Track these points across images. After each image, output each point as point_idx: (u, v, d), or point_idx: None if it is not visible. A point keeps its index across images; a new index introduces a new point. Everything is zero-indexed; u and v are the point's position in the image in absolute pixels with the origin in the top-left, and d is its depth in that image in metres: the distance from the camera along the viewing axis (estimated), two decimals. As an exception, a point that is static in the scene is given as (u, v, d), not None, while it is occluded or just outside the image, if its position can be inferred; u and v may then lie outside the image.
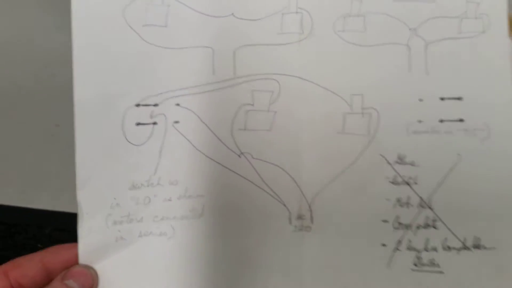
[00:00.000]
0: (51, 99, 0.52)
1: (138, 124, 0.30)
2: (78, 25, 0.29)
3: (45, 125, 0.49)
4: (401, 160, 0.31)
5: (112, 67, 0.29)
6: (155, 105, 0.30)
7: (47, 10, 0.61)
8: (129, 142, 0.30)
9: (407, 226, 0.31)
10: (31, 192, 0.45)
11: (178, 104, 0.30)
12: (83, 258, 0.29)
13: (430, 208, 0.31)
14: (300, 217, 0.31)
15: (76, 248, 0.29)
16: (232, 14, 0.31)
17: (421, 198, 0.31)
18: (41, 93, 0.53)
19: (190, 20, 0.31)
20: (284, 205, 0.31)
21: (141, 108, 0.30)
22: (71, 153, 0.50)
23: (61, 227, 0.43)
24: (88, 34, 0.29)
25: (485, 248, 0.31)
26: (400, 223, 0.31)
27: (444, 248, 0.31)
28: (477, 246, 0.31)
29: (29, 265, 0.29)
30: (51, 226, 0.43)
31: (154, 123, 0.30)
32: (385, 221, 0.31)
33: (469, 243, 0.31)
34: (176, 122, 0.30)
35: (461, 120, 0.32)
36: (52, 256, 0.30)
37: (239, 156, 0.31)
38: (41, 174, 0.46)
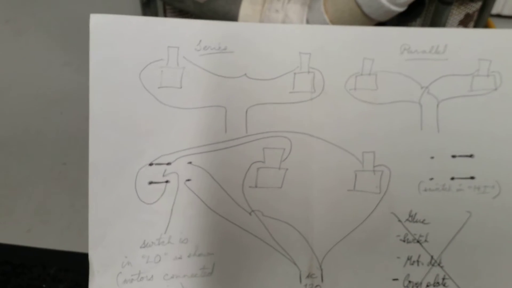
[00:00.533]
0: (58, 137, 0.53)
1: (150, 183, 0.30)
2: (96, 86, 0.30)
3: (52, 163, 0.50)
4: (412, 218, 0.32)
5: (128, 128, 0.30)
6: (168, 163, 0.31)
7: (55, 48, 0.62)
8: (142, 201, 0.30)
9: (418, 285, 0.31)
10: (36, 231, 0.46)
11: (190, 162, 0.31)
12: None
13: (440, 265, 0.31)
14: (310, 275, 0.31)
15: None
16: (245, 74, 0.31)
17: (431, 256, 0.31)
18: (48, 131, 0.54)
19: (204, 81, 0.31)
20: (294, 263, 0.31)
21: (154, 167, 0.30)
22: (77, 191, 0.50)
23: (65, 267, 0.43)
24: (105, 96, 0.30)
25: (494, 307, 0.31)
26: (410, 282, 0.31)
27: (454, 308, 0.31)
28: (487, 306, 0.31)
29: None
30: (56, 266, 0.43)
31: (167, 182, 0.31)
32: (395, 279, 0.31)
33: (479, 303, 0.31)
34: (188, 180, 0.31)
35: (472, 178, 0.32)
36: None
37: (249, 214, 0.31)
38: (46, 213, 0.47)
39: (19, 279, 0.43)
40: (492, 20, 0.52)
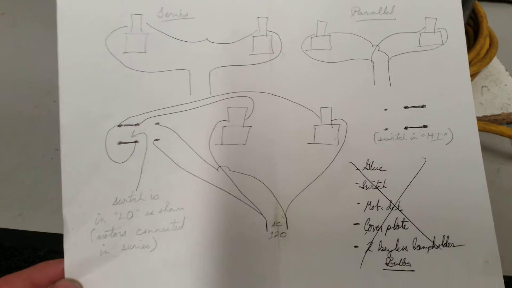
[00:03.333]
0: (51, 124, 0.56)
1: (120, 143, 0.33)
2: (64, 52, 0.32)
3: (45, 149, 0.52)
4: (369, 166, 0.35)
5: (96, 91, 0.33)
6: (136, 124, 0.33)
7: (49, 39, 0.65)
8: (112, 160, 0.33)
9: (378, 228, 0.34)
10: (27, 214, 0.48)
11: (158, 123, 0.34)
12: (69, 272, 0.32)
13: (399, 209, 0.34)
14: (276, 224, 0.34)
15: (62, 263, 0.32)
16: (207, 39, 0.34)
17: (390, 200, 0.34)
18: (41, 118, 0.56)
19: (167, 46, 0.34)
20: (261, 213, 0.34)
21: (123, 128, 0.33)
22: None
23: (55, 249, 0.45)
24: (73, 61, 0.32)
25: (454, 245, 0.34)
26: (371, 225, 0.34)
27: (414, 248, 0.34)
28: (446, 244, 0.34)
29: (17, 281, 0.32)
30: (46, 248, 0.45)
31: (136, 142, 0.33)
32: (356, 224, 0.34)
33: (438, 242, 0.34)
34: (157, 140, 0.34)
35: (425, 126, 0.35)
36: (39, 271, 0.32)
37: (217, 169, 0.34)
38: (38, 197, 0.49)
39: (10, 261, 0.45)
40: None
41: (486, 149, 0.52)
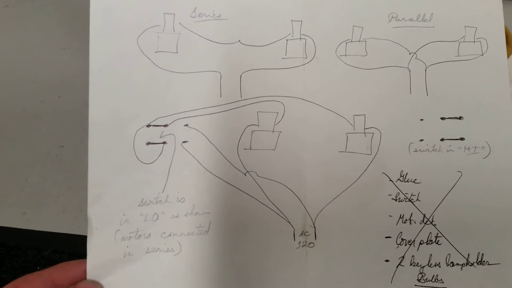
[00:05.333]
0: (56, 120, 0.56)
1: (148, 143, 0.33)
2: (95, 50, 0.33)
3: (50, 146, 0.52)
4: (403, 178, 0.34)
5: (126, 90, 0.33)
6: (165, 125, 0.33)
7: (54, 32, 0.65)
8: (140, 160, 0.33)
9: (410, 242, 0.33)
10: (32, 213, 0.48)
11: (186, 125, 0.34)
12: (91, 273, 0.32)
13: (432, 224, 0.33)
14: (304, 233, 0.34)
15: (83, 264, 0.32)
16: (239, 41, 0.35)
17: (423, 214, 0.34)
18: (46, 114, 0.57)
19: (200, 46, 0.34)
20: (288, 221, 0.34)
21: (151, 128, 0.33)
22: (73, 174, 0.53)
23: (60, 250, 0.45)
24: (104, 59, 0.33)
25: (488, 264, 0.33)
26: (403, 239, 0.33)
27: (447, 264, 0.33)
28: (480, 262, 0.33)
29: (38, 281, 0.32)
30: (51, 248, 0.45)
31: (164, 143, 0.33)
32: (388, 237, 0.34)
33: (472, 259, 0.33)
34: (185, 142, 0.34)
35: (462, 139, 0.34)
36: (61, 272, 0.32)
37: (244, 174, 0.34)
38: (42, 195, 0.49)
39: (14, 262, 0.45)
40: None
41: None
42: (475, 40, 0.35)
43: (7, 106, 0.58)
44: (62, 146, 0.52)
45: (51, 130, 0.55)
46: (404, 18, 0.36)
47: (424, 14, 0.36)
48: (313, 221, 0.34)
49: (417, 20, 0.36)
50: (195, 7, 0.34)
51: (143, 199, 0.33)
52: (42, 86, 0.60)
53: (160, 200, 0.33)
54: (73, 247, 0.45)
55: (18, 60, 0.64)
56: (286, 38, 0.35)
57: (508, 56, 0.53)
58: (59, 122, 0.57)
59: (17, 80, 0.61)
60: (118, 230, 0.32)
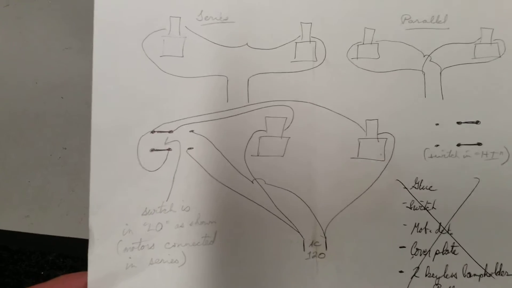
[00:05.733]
0: (59, 121, 0.55)
1: (152, 150, 0.32)
2: (99, 54, 0.32)
3: (53, 148, 0.51)
4: (418, 185, 0.33)
5: (130, 95, 0.32)
6: (170, 131, 0.32)
7: (56, 32, 0.64)
8: (143, 168, 0.32)
9: (426, 252, 0.32)
10: (35, 217, 0.47)
11: (192, 131, 0.33)
12: (92, 286, 0.31)
13: (448, 233, 0.32)
14: (314, 243, 0.32)
15: (84, 277, 0.31)
16: (247, 44, 0.33)
17: (439, 223, 0.32)
18: (49, 116, 0.56)
19: (206, 50, 0.33)
20: (298, 231, 0.32)
21: (156, 134, 0.32)
22: (77, 176, 0.51)
23: (65, 254, 0.44)
24: (107, 63, 0.32)
25: (507, 274, 0.31)
26: (418, 249, 0.32)
27: (464, 275, 0.32)
28: (499, 273, 0.31)
29: None
30: (55, 252, 0.44)
31: (169, 149, 0.32)
32: (402, 247, 0.32)
33: (490, 269, 0.32)
34: (190, 148, 0.33)
35: (479, 144, 0.33)
36: (61, 285, 0.31)
37: (252, 182, 0.33)
38: (46, 198, 0.48)
39: (17, 266, 0.44)
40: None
41: None
42: (492, 42, 0.34)
43: (8, 107, 0.57)
44: (65, 148, 0.51)
45: (53, 132, 0.54)
46: (417, 20, 0.34)
47: (439, 15, 0.34)
48: (324, 230, 0.32)
49: (431, 21, 0.34)
50: (202, 10, 0.33)
51: (146, 208, 0.32)
52: (44, 87, 0.59)
53: (165, 209, 0.32)
54: (77, 251, 0.44)
55: (19, 60, 0.63)
56: (295, 41, 0.34)
57: None
58: (62, 123, 0.56)
59: (18, 80, 0.60)
60: (121, 240, 0.31)
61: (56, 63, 0.61)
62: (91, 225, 0.31)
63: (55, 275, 0.45)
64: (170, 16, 0.33)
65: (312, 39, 0.34)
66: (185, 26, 0.33)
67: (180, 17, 0.33)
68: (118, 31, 0.32)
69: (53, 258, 0.45)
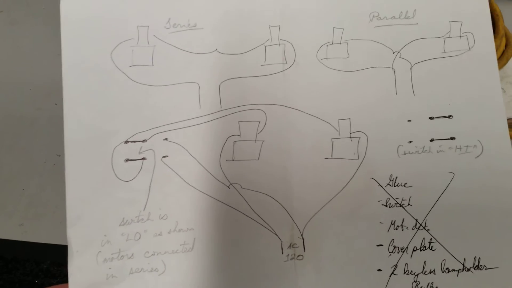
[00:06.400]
0: (53, 128, 0.55)
1: (127, 160, 0.32)
2: (68, 66, 0.32)
3: (47, 155, 0.51)
4: (393, 182, 0.33)
5: (102, 106, 0.32)
6: (144, 141, 0.33)
7: (49, 38, 0.64)
8: (119, 178, 0.32)
9: (403, 249, 0.32)
10: (29, 225, 0.47)
11: (166, 139, 0.33)
12: None
13: (425, 229, 0.32)
14: (292, 245, 0.32)
15: None
16: (216, 49, 0.34)
17: (415, 219, 0.32)
18: (43, 122, 0.55)
19: (176, 58, 0.33)
20: (276, 234, 0.33)
21: (129, 144, 0.32)
22: None
23: (59, 262, 0.44)
24: (77, 75, 0.32)
25: (486, 268, 0.32)
26: (395, 247, 0.32)
27: (442, 271, 0.32)
28: (477, 267, 0.32)
29: None
30: (49, 261, 0.44)
31: (143, 159, 0.32)
32: (380, 245, 0.32)
33: (469, 264, 0.32)
34: (165, 156, 0.33)
35: (452, 138, 0.33)
36: None
37: (228, 187, 0.33)
38: (40, 206, 0.48)
39: (11, 275, 0.44)
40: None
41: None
42: (461, 35, 0.34)
43: (2, 114, 0.57)
44: (60, 155, 0.51)
45: (48, 139, 0.54)
46: (386, 17, 0.34)
47: (407, 11, 0.34)
48: (301, 232, 0.32)
49: (399, 17, 0.34)
50: (169, 18, 0.33)
51: (124, 218, 0.32)
52: (38, 93, 0.59)
53: (142, 219, 0.32)
54: None
55: (13, 66, 0.62)
56: (265, 44, 0.34)
57: (509, 57, 0.52)
58: (56, 130, 0.56)
59: (12, 87, 0.60)
60: (100, 251, 0.31)
61: (50, 69, 0.60)
62: (69, 237, 0.31)
63: (50, 284, 0.45)
64: (138, 26, 0.33)
65: (281, 41, 0.34)
66: (154, 35, 0.33)
67: (148, 26, 0.33)
68: (86, 43, 0.32)
69: (47, 266, 0.45)
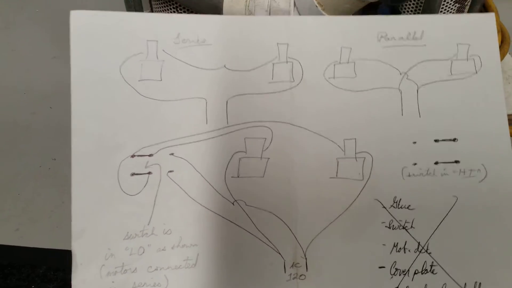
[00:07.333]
0: (48, 132, 0.55)
1: (133, 174, 0.32)
2: (77, 79, 0.32)
3: (42, 159, 0.51)
4: (396, 204, 0.33)
5: (109, 120, 0.32)
6: (150, 155, 0.33)
7: (44, 41, 0.63)
8: (124, 192, 0.32)
9: (405, 272, 0.32)
10: (25, 229, 0.47)
11: (172, 154, 0.33)
12: None
13: (427, 252, 0.32)
14: (294, 265, 0.32)
15: None
16: (224, 66, 0.34)
17: (418, 242, 0.33)
18: (38, 126, 0.55)
19: (184, 73, 0.33)
20: (279, 252, 0.33)
21: (136, 158, 0.32)
22: (68, 188, 0.51)
23: (55, 267, 0.44)
24: (86, 89, 0.32)
25: (486, 293, 0.32)
26: (397, 269, 0.32)
27: (443, 295, 0.32)
28: (478, 292, 0.32)
29: None
30: (46, 265, 0.44)
31: (149, 173, 0.33)
32: (382, 267, 0.32)
33: (469, 289, 0.32)
34: (171, 171, 0.33)
35: (456, 162, 0.33)
36: None
37: (232, 203, 0.33)
38: (36, 210, 0.48)
39: (8, 280, 0.44)
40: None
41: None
42: (468, 57, 0.34)
43: None
44: (55, 159, 0.51)
45: (43, 143, 0.54)
46: (394, 37, 0.34)
47: (415, 32, 0.34)
48: (304, 251, 0.33)
49: (407, 38, 0.34)
50: (179, 33, 0.33)
51: (128, 232, 0.32)
52: (33, 97, 0.59)
53: (146, 233, 0.32)
54: (68, 264, 0.44)
55: (7, 70, 0.62)
56: (273, 62, 0.34)
57: (505, 53, 0.51)
58: (51, 134, 0.55)
59: (6, 91, 0.59)
60: (103, 265, 0.32)
61: (44, 73, 0.60)
62: (74, 250, 0.31)
63: (46, 288, 0.45)
64: (147, 40, 0.33)
65: (289, 59, 0.34)
66: (163, 50, 0.33)
67: (157, 41, 0.33)
68: (95, 57, 0.32)
69: (43, 271, 0.45)
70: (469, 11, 0.48)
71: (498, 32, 0.51)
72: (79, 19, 0.32)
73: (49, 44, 0.64)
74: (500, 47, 0.51)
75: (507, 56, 0.55)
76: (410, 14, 0.46)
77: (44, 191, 0.50)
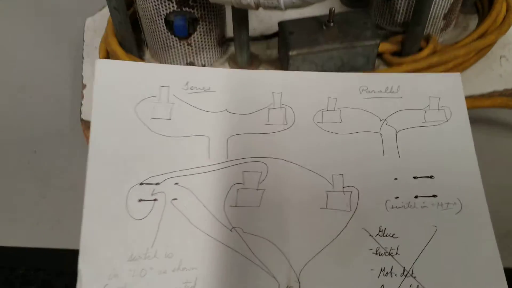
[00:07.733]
0: (28, 123, 0.51)
1: (140, 200, 0.35)
2: (97, 117, 0.36)
3: (21, 151, 0.48)
4: (382, 233, 0.36)
5: (124, 151, 0.36)
6: (157, 184, 0.36)
7: (23, 27, 0.61)
8: (131, 216, 0.35)
9: (392, 296, 0.34)
10: (2, 228, 0.43)
11: (177, 183, 0.36)
12: None
13: (412, 276, 0.34)
14: None
15: None
16: (226, 109, 0.39)
17: (403, 267, 0.35)
18: (17, 117, 0.52)
19: (191, 114, 0.38)
20: (273, 276, 0.35)
21: (144, 186, 0.36)
22: (48, 182, 0.46)
23: (36, 267, 0.41)
24: (104, 124, 0.36)
25: (470, 316, 0.33)
26: (385, 293, 0.34)
27: (429, 317, 0.33)
28: (462, 315, 0.33)
29: None
30: (25, 266, 0.41)
31: (155, 200, 0.36)
32: None
33: (454, 312, 0.34)
34: (174, 199, 0.36)
35: (434, 196, 0.37)
36: None
37: (230, 230, 0.36)
38: (14, 207, 0.45)
39: None
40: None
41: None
42: (439, 108, 0.40)
43: None
44: (35, 152, 0.48)
45: (22, 135, 0.51)
46: (374, 90, 0.40)
47: (392, 86, 0.40)
48: (298, 276, 0.35)
49: (385, 91, 0.40)
50: (187, 81, 0.39)
51: (132, 254, 0.34)
52: (11, 86, 0.55)
53: (149, 256, 0.34)
54: (50, 263, 0.39)
55: None
56: (268, 107, 0.39)
57: (511, 23, 0.50)
58: (31, 125, 0.52)
59: None
60: (107, 284, 0.33)
61: (24, 62, 0.58)
62: (80, 268, 0.33)
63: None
64: (160, 86, 0.38)
65: (282, 105, 0.39)
66: (173, 94, 0.38)
67: (169, 87, 0.38)
68: (114, 98, 0.37)
69: (23, 272, 0.41)
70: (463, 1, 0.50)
71: (503, 1, 0.51)
72: (102, 66, 0.37)
73: (28, 32, 0.60)
74: (505, 16, 0.50)
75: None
76: (403, 6, 0.49)
77: (23, 188, 0.45)
